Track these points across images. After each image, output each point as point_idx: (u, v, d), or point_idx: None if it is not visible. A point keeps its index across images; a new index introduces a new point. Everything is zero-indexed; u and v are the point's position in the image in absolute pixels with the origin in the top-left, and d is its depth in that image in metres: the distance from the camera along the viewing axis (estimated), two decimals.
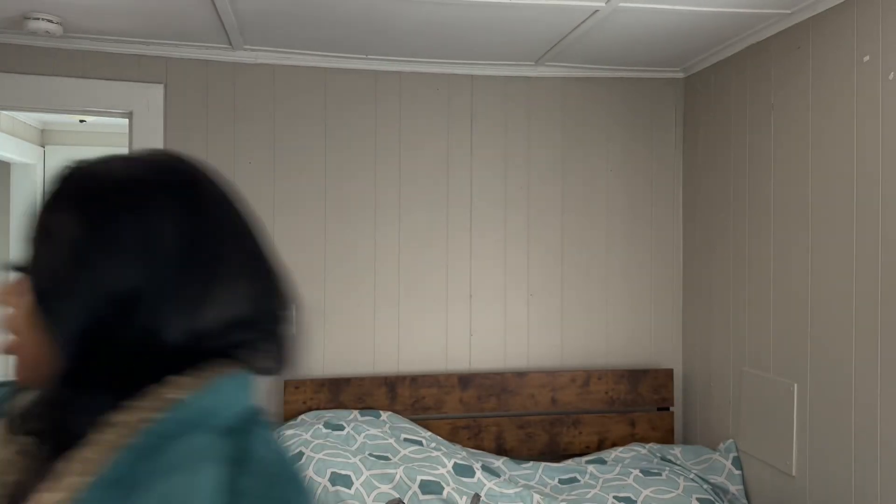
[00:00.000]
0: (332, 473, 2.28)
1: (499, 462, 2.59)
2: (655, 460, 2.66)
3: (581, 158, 2.94)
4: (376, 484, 2.29)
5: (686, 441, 2.93)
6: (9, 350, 0.69)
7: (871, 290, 1.95)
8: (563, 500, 2.39)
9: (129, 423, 0.61)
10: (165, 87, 2.67)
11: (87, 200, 0.67)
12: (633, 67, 2.90)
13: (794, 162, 2.28)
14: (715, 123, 2.75)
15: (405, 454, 2.43)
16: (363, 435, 2.49)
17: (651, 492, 2.41)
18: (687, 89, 2.97)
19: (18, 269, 0.69)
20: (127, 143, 2.72)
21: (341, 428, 2.50)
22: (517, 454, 2.79)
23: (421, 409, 2.75)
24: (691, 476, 2.53)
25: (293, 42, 2.61)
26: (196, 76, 2.70)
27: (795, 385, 2.25)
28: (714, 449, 2.67)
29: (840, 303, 2.06)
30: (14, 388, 0.73)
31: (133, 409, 0.62)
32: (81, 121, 4.61)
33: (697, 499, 2.39)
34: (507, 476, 2.50)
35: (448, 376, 2.78)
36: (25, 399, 0.71)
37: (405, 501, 2.25)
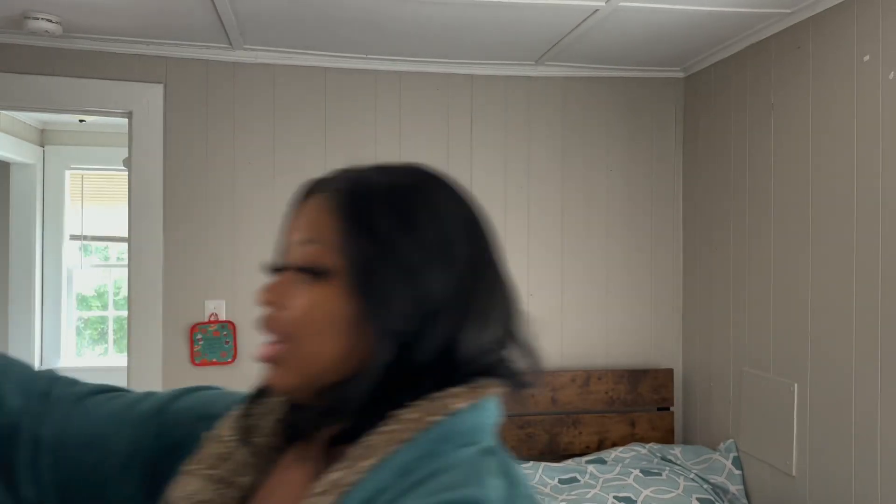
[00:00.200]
0: None
1: None
2: (655, 460, 2.65)
3: (581, 158, 2.94)
4: None
5: (686, 441, 2.93)
6: (276, 355, 0.66)
7: (871, 290, 1.95)
8: (563, 500, 2.38)
9: (414, 421, 0.61)
10: (165, 86, 2.67)
11: (398, 201, 0.66)
12: (634, 67, 2.90)
13: (794, 161, 2.28)
14: (715, 123, 2.75)
15: None
16: None
17: (651, 492, 2.41)
18: (687, 89, 2.96)
19: (285, 268, 0.67)
20: (127, 143, 2.72)
21: None
22: (517, 454, 2.79)
23: None
24: (691, 476, 2.53)
25: (293, 42, 2.61)
26: (196, 76, 2.69)
27: (796, 385, 2.25)
28: (714, 449, 2.66)
29: (840, 302, 2.06)
30: (254, 396, 0.72)
31: (418, 408, 0.62)
32: (81, 121, 4.61)
33: (697, 499, 2.39)
34: None
35: None
36: (268, 407, 0.72)
37: None
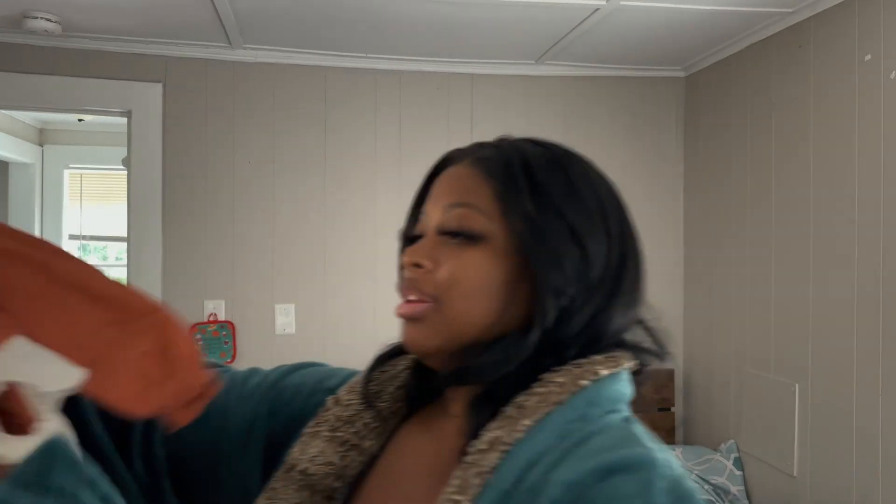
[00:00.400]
0: None
1: None
2: None
3: None
4: None
5: (687, 441, 2.93)
6: (421, 313, 0.65)
7: (872, 290, 1.95)
8: None
9: (565, 385, 0.61)
10: (164, 85, 2.66)
11: (561, 169, 0.67)
12: (634, 66, 2.90)
13: (794, 160, 2.27)
14: (716, 122, 2.74)
15: None
16: None
17: None
18: (688, 88, 2.96)
19: (426, 234, 0.68)
20: (126, 143, 2.71)
21: None
22: None
23: None
24: (692, 476, 2.52)
25: (293, 41, 2.60)
26: (195, 75, 2.69)
27: (797, 385, 2.25)
28: (715, 449, 2.66)
29: (841, 302, 2.06)
30: (378, 361, 0.73)
31: (567, 373, 0.62)
32: (80, 120, 4.60)
33: None
34: None
35: None
36: (390, 373, 0.73)
37: None
